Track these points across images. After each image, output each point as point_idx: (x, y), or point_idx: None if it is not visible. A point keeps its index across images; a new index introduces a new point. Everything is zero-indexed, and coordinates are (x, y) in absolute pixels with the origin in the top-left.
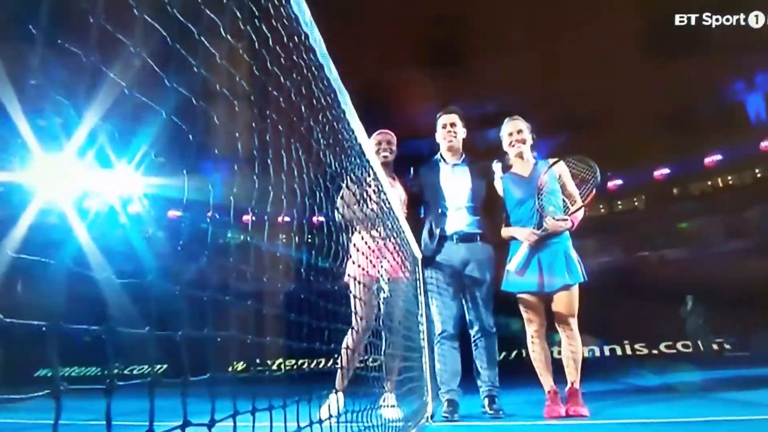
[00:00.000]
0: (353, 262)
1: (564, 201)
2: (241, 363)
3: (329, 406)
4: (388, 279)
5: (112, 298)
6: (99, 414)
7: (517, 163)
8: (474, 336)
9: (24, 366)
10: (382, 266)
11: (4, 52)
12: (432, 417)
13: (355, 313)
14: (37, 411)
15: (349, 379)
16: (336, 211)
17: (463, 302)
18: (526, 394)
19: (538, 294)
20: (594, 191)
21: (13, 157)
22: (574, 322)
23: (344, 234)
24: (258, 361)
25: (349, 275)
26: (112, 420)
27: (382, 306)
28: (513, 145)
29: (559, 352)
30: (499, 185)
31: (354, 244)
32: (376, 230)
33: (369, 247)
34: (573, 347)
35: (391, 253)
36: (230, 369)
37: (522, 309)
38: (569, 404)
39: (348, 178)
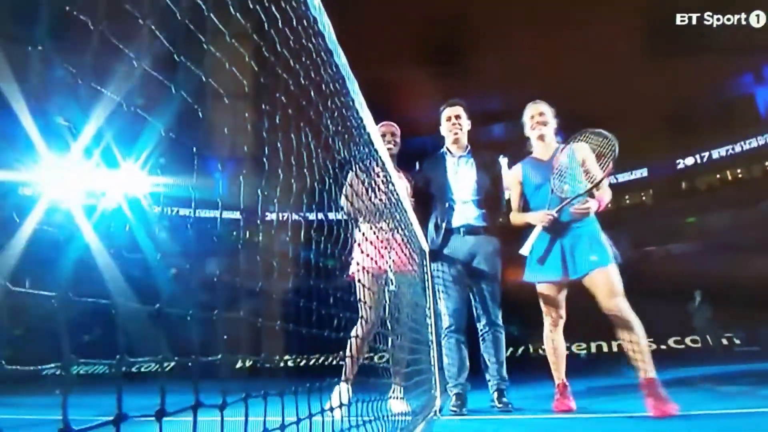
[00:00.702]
0: (361, 252)
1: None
2: (252, 357)
3: (339, 394)
4: (396, 271)
5: (120, 296)
6: (106, 409)
7: (538, 146)
8: (481, 330)
9: (30, 364)
10: (390, 258)
11: (8, 53)
12: (440, 411)
13: (364, 303)
14: (42, 408)
15: (357, 370)
16: (345, 198)
17: (470, 296)
18: (535, 388)
19: (561, 282)
20: (611, 165)
21: (19, 156)
22: (621, 303)
23: (352, 223)
24: (267, 353)
25: (357, 264)
26: (121, 414)
27: (389, 298)
28: (534, 128)
29: (568, 347)
30: (518, 172)
31: (363, 233)
32: (384, 221)
33: (377, 238)
34: (631, 335)
35: (399, 245)
36: (241, 363)
37: (541, 300)
38: (651, 401)
39: (356, 167)
